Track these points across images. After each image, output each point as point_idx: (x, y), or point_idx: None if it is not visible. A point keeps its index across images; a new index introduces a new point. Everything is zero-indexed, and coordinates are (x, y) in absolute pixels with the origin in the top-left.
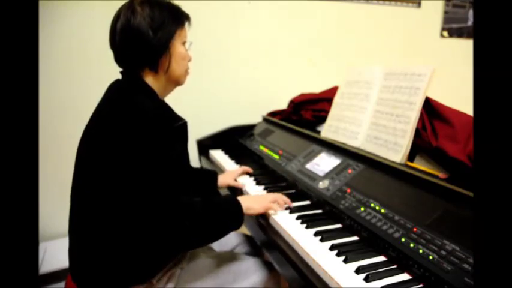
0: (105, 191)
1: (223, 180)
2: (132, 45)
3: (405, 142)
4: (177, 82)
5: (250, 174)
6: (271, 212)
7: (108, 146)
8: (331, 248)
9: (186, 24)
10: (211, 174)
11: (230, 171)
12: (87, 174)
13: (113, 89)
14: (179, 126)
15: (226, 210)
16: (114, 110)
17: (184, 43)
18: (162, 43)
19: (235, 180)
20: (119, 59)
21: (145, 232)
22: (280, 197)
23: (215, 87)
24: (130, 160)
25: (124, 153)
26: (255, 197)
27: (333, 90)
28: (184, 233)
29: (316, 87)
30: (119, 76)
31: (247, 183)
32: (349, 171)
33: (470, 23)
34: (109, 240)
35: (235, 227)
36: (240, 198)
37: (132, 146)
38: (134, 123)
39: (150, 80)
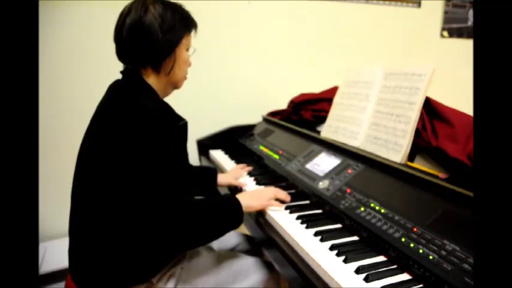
0: (108, 192)
1: (224, 179)
2: (139, 42)
3: (405, 142)
4: (175, 85)
5: (250, 174)
6: (270, 212)
7: (112, 147)
8: (331, 248)
9: (193, 31)
10: (210, 171)
11: (233, 170)
12: (89, 174)
13: (115, 89)
14: (180, 126)
15: (226, 210)
16: (118, 110)
17: (188, 49)
18: (169, 45)
19: (236, 179)
20: (121, 54)
21: (147, 232)
22: (279, 192)
23: (215, 87)
24: (134, 160)
25: (128, 153)
26: (253, 193)
27: (333, 90)
28: (186, 232)
29: (316, 87)
30: (119, 76)
31: (248, 183)
32: (349, 171)
33: (470, 23)
34: (110, 241)
35: (235, 225)
36: (239, 196)
37: (136, 146)
38: (138, 124)
39: (150, 80)
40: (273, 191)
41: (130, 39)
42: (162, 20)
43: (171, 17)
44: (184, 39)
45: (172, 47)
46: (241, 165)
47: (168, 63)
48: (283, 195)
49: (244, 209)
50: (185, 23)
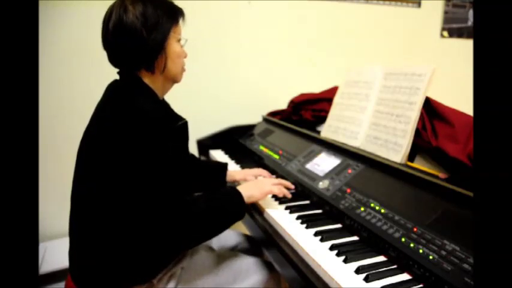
0: (106, 193)
1: (231, 177)
2: (125, 46)
3: (405, 142)
4: (174, 80)
5: None
6: (270, 212)
7: (109, 148)
8: (331, 248)
9: (181, 20)
10: (220, 167)
11: (245, 170)
12: (88, 175)
13: (112, 90)
14: (179, 126)
15: (228, 203)
16: (115, 111)
17: (179, 40)
18: (157, 44)
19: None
20: (112, 60)
21: (146, 232)
22: (280, 181)
23: (215, 87)
24: (131, 161)
25: (125, 154)
26: (255, 183)
27: (333, 90)
28: (186, 232)
29: (316, 87)
30: (118, 76)
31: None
32: (349, 171)
33: (470, 23)
34: (110, 241)
35: (239, 217)
36: (240, 188)
37: (134, 147)
38: (135, 125)
39: (147, 80)
40: (273, 180)
41: (116, 44)
42: (144, 19)
43: (153, 12)
44: (172, 32)
45: (160, 44)
46: (264, 173)
47: (161, 61)
48: (286, 184)
49: (246, 199)
50: (170, 15)
